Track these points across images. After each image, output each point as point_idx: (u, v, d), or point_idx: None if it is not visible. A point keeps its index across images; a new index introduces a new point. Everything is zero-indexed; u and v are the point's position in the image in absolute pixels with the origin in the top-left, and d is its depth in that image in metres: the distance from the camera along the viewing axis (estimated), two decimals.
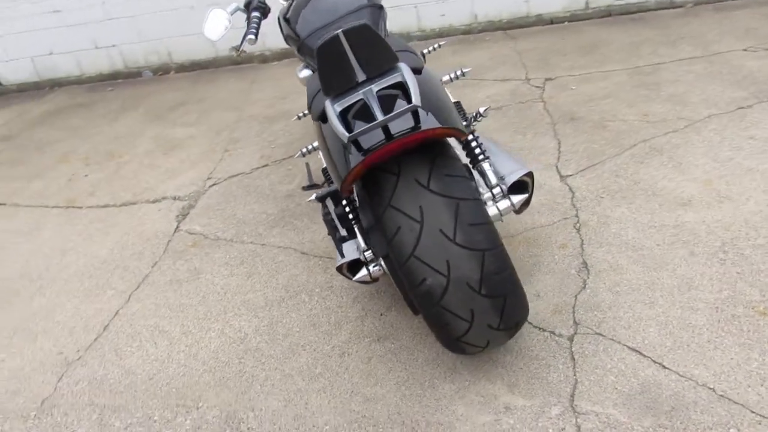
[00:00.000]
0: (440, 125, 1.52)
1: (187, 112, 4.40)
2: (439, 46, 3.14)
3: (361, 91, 1.54)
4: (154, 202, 3.23)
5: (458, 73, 2.55)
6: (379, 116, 1.48)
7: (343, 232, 1.83)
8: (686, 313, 1.93)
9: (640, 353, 1.83)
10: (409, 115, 1.52)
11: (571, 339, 1.93)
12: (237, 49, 2.40)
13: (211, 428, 1.86)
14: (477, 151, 1.88)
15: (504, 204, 1.82)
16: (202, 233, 2.85)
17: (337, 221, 1.78)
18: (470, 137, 1.91)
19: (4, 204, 3.53)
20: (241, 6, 2.43)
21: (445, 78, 2.60)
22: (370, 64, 1.52)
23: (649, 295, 2.03)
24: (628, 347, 1.86)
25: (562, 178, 2.75)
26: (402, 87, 1.54)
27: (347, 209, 1.64)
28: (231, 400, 1.95)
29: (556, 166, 2.84)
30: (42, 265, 2.86)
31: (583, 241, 2.33)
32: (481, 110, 2.31)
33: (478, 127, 3.24)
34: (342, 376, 1.96)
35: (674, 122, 2.98)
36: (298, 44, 2.34)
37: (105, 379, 2.13)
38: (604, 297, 2.06)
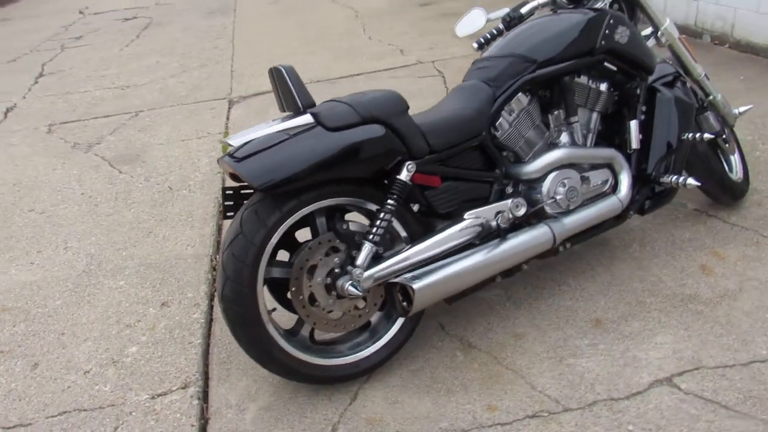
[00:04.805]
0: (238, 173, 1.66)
1: None
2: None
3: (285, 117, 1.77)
4: None
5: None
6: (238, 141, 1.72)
7: None
8: None
9: None
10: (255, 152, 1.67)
11: None
12: (479, 48, 2.35)
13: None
14: (374, 228, 1.79)
15: (350, 290, 1.77)
16: None
17: None
18: (384, 211, 1.79)
19: None
20: (503, 16, 2.28)
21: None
22: (286, 101, 1.78)
23: None
24: None
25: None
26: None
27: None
28: None
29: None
30: None
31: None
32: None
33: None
34: None
35: None
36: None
37: None
38: None
